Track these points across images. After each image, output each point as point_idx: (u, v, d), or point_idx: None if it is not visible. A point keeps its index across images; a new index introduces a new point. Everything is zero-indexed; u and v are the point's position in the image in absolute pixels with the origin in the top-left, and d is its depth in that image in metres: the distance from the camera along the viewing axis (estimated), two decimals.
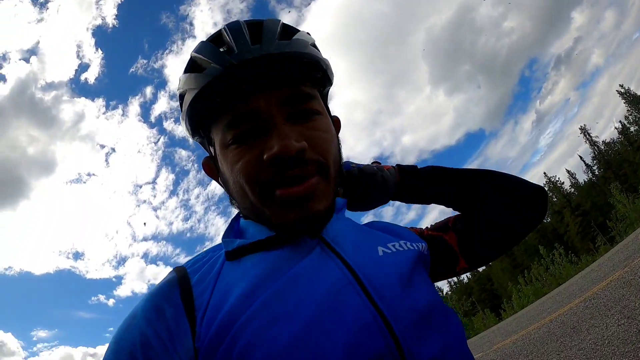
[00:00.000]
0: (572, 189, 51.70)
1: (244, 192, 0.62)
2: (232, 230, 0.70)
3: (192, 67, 0.65)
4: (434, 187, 0.86)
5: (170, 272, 0.62)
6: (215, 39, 0.65)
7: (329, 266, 0.59)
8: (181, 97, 0.67)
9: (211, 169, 0.72)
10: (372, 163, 0.87)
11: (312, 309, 0.53)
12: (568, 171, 53.14)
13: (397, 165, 0.89)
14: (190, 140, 0.72)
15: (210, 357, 0.51)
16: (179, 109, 0.69)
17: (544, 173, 54.09)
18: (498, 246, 0.84)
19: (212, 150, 0.69)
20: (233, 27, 0.63)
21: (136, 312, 0.55)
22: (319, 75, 0.66)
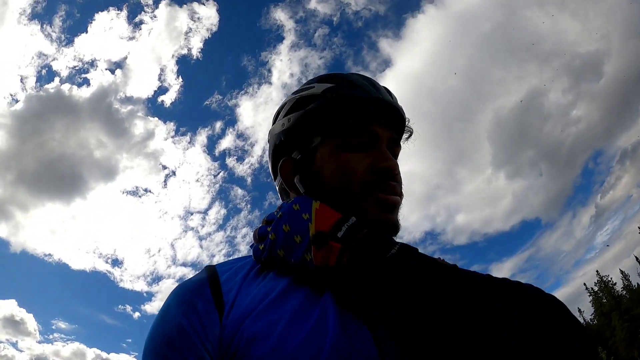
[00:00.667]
0: (624, 291, 48.63)
1: (347, 185, 0.74)
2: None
3: (346, 81, 0.80)
4: None
5: (201, 270, 0.70)
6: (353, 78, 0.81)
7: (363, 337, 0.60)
8: (310, 98, 0.80)
9: (288, 168, 0.83)
10: None
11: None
12: (622, 272, 50.29)
13: None
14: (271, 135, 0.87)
15: (228, 346, 0.58)
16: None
17: (597, 271, 51.51)
18: None
19: (306, 150, 0.80)
20: (366, 77, 0.83)
21: (169, 306, 0.64)
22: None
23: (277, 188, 0.91)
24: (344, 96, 0.77)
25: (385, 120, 0.79)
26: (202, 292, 0.64)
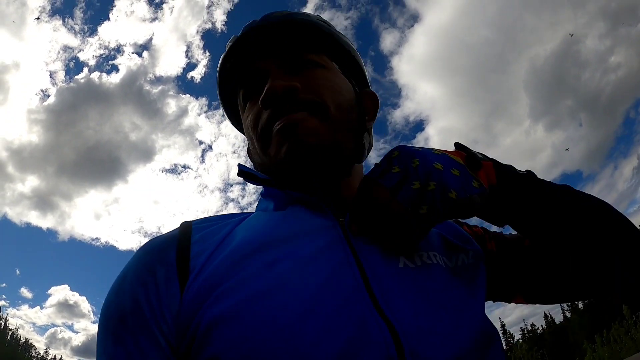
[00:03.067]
0: None
1: (254, 145, 0.63)
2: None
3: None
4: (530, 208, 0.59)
5: (176, 227, 0.57)
6: None
7: (343, 267, 0.49)
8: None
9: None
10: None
11: (307, 301, 0.44)
12: None
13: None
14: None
15: (184, 329, 0.45)
16: None
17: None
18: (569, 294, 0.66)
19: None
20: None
21: (127, 272, 0.51)
22: (322, 40, 0.66)
23: None
24: (220, 73, 0.71)
25: (259, 47, 0.64)
26: (166, 254, 0.51)
